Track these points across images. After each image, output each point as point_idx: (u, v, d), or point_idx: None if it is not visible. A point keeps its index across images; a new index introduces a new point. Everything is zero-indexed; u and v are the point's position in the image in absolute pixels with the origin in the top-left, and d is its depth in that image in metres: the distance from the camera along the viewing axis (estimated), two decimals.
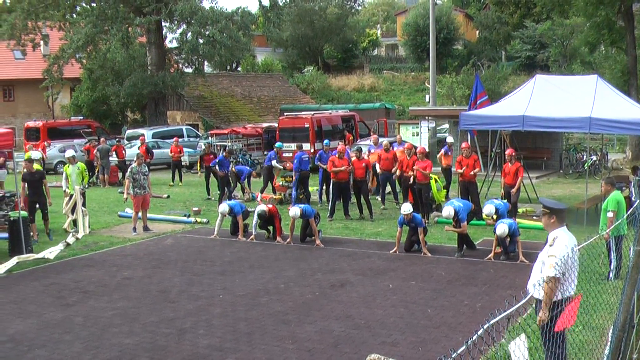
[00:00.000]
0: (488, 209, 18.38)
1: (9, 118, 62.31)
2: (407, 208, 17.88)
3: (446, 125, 42.03)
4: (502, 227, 16.72)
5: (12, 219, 19.18)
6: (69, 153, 23.69)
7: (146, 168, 22.36)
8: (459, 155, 22.88)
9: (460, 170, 22.21)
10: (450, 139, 27.38)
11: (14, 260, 17.79)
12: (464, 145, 22.96)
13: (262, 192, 27.52)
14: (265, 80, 68.41)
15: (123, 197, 23.01)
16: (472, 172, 22.06)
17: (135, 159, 22.86)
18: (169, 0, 49.37)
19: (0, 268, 17.26)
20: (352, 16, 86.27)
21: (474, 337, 5.63)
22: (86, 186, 22.70)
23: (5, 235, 19.59)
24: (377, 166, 25.15)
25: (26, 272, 17.30)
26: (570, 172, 34.43)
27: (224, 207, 20.85)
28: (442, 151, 26.32)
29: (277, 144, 30.16)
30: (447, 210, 17.85)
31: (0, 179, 28.91)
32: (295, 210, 19.52)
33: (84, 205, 22.54)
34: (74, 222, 22.39)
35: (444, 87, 59.57)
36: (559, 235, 8.55)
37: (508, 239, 17.10)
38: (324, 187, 26.06)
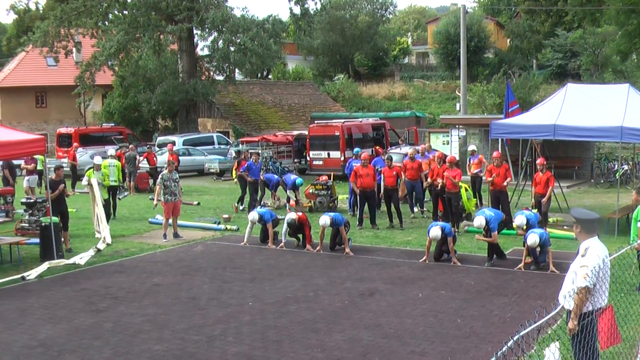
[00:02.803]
0: (519, 220, 18.20)
1: (41, 124, 62.81)
2: (435, 235, 17.90)
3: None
4: (533, 237, 16.60)
5: (43, 224, 19.34)
6: (97, 160, 23.89)
7: (177, 175, 22.47)
8: (490, 164, 22.77)
9: (491, 179, 22.10)
10: (472, 147, 27.30)
11: (45, 266, 17.92)
12: (495, 154, 22.80)
13: (288, 201, 27.47)
14: (296, 88, 68.51)
15: (153, 203, 23.14)
16: (504, 183, 21.93)
17: (166, 165, 22.99)
18: (201, 8, 49.58)
19: (32, 273, 17.39)
20: (383, 24, 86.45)
21: (504, 349, 5.61)
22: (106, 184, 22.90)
23: (37, 240, 19.75)
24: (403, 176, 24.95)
25: (57, 278, 17.43)
26: (602, 181, 34.16)
27: (254, 215, 20.86)
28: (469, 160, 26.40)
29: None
30: (479, 220, 17.75)
31: (32, 185, 29.14)
32: (325, 219, 19.49)
33: (113, 209, 22.64)
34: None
35: (474, 96, 59.41)
36: (591, 245, 8.44)
37: (539, 249, 17.00)
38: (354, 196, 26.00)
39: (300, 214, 20.52)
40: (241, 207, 28.00)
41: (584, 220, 8.59)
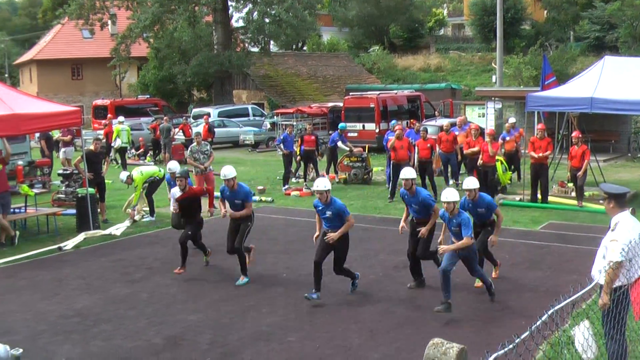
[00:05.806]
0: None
1: (77, 96, 63.26)
2: (408, 173, 14.10)
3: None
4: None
5: (79, 195, 19.51)
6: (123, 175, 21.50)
7: (207, 147, 22.28)
8: (533, 136, 22.55)
9: (535, 154, 21.83)
10: (512, 119, 26.91)
11: (81, 236, 18.13)
12: (539, 126, 22.60)
13: (327, 172, 27.47)
14: (330, 59, 68.35)
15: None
16: (543, 154, 21.72)
17: (194, 137, 22.91)
18: None
19: (68, 244, 17.59)
20: None
21: (538, 322, 5.60)
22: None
23: (73, 211, 19.93)
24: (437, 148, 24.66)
25: (93, 248, 17.61)
26: (638, 155, 33.86)
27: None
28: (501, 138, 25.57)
29: (341, 124, 29.60)
30: (471, 183, 13.89)
31: (68, 156, 29.39)
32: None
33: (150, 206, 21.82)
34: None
35: (510, 68, 58.92)
36: (621, 219, 8.42)
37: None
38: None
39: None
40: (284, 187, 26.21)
41: (615, 195, 8.58)
